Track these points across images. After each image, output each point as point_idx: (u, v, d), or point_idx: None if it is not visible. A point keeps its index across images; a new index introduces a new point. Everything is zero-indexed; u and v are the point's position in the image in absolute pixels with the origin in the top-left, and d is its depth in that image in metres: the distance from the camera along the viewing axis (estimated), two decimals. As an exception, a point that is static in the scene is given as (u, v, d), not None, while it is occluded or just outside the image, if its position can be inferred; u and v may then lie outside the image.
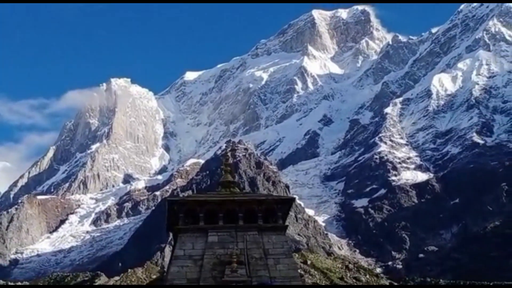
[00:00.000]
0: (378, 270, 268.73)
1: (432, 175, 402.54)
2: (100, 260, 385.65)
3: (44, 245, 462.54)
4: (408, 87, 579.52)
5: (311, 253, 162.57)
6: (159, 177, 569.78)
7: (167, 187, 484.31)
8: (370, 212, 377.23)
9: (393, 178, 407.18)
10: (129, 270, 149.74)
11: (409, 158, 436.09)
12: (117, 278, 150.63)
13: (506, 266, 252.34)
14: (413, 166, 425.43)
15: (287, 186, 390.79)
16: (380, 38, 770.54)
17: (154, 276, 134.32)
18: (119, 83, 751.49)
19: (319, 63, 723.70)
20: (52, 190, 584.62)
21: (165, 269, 37.73)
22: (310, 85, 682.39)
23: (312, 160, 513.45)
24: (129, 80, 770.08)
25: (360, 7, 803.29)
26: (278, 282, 32.64)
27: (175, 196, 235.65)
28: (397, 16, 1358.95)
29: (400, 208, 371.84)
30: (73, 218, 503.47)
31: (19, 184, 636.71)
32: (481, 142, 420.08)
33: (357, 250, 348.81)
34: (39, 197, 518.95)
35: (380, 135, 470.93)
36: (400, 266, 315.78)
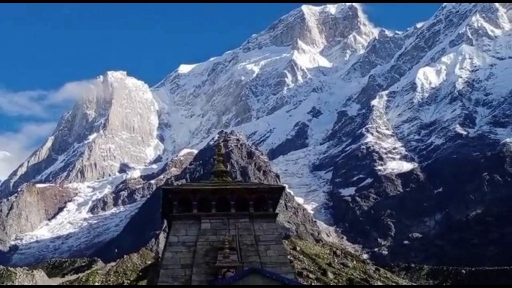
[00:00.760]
0: (365, 256, 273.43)
1: (416, 165, 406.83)
2: (97, 246, 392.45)
3: (43, 231, 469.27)
4: (394, 80, 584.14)
5: (300, 240, 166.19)
6: (154, 166, 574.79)
7: (161, 176, 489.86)
8: (357, 200, 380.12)
9: (379, 167, 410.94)
10: (125, 256, 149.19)
11: (394, 148, 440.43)
12: (113, 263, 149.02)
13: (487, 253, 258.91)
14: (398, 156, 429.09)
15: (277, 175, 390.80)
16: (367, 33, 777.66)
17: (149, 262, 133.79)
18: (115, 76, 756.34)
19: (309, 57, 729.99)
20: (50, 178, 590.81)
21: (160, 255, 38.53)
22: (299, 78, 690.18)
23: (301, 150, 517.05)
24: (125, 72, 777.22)
25: (348, 3, 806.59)
26: (268, 268, 32.26)
27: (170, 184, 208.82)
28: (384, 11, 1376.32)
29: (385, 196, 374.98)
30: (71, 205, 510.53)
31: (19, 173, 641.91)
32: (464, 133, 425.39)
33: (345, 237, 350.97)
34: (38, 185, 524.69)
35: (367, 126, 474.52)
36: (386, 252, 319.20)
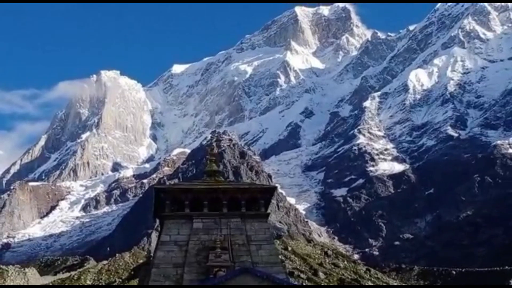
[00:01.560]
0: (356, 256, 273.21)
1: (408, 166, 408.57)
2: (89, 244, 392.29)
3: (35, 230, 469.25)
4: (386, 82, 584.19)
5: (292, 240, 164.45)
6: (147, 165, 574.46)
7: (154, 175, 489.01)
8: (348, 201, 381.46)
9: (371, 168, 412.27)
10: (117, 254, 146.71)
11: (386, 149, 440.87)
12: (105, 262, 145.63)
13: (477, 254, 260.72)
14: (390, 157, 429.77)
15: (269, 176, 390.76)
16: (360, 34, 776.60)
17: (141, 261, 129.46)
18: (108, 75, 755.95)
19: (301, 58, 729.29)
20: (43, 177, 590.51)
21: (152, 254, 39.32)
22: (292, 79, 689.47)
23: (293, 151, 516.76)
24: (118, 72, 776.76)
25: (341, 4, 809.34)
26: (260, 267, 32.10)
27: (162, 184, 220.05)
28: (377, 13, 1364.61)
29: (377, 197, 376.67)
30: (63, 204, 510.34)
31: (12, 171, 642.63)
32: (455, 135, 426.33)
33: (336, 237, 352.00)
34: (30, 183, 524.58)
35: (359, 127, 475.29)
36: (377, 253, 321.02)
